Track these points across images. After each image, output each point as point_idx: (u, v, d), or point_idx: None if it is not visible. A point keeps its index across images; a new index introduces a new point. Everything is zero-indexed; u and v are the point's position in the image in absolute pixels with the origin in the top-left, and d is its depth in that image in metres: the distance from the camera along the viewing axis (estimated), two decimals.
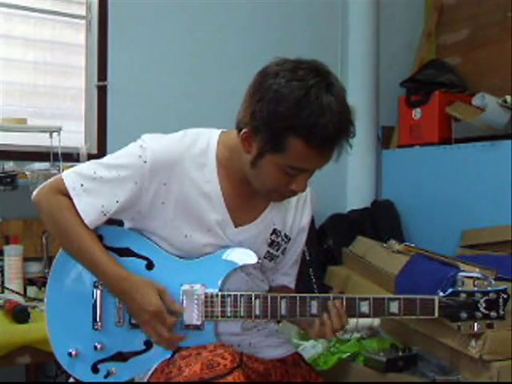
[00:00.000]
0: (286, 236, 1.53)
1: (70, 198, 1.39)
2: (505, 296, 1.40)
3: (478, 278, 1.98)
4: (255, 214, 1.48)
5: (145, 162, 1.37)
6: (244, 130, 1.34)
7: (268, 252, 1.51)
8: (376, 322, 2.38)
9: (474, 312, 1.40)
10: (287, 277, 1.62)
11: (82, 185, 1.39)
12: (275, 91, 1.27)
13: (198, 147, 1.42)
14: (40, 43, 2.90)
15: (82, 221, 1.39)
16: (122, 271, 1.38)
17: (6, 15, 2.82)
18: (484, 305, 1.40)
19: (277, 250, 1.52)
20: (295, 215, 1.55)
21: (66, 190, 1.39)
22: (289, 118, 1.26)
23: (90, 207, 1.38)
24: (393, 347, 2.26)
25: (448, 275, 2.06)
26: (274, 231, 1.51)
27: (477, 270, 2.07)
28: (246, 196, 1.44)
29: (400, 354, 2.18)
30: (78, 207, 1.38)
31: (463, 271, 2.08)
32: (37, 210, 1.44)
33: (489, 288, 1.41)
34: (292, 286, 1.63)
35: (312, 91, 1.25)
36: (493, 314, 1.40)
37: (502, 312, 1.40)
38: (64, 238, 1.42)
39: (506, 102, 2.93)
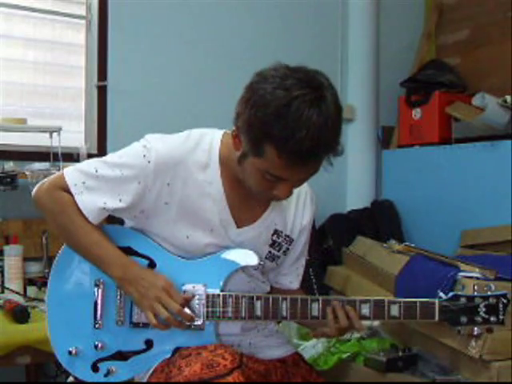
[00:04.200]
0: (287, 236, 1.53)
1: (71, 195, 1.39)
2: (505, 301, 1.40)
3: (478, 278, 1.99)
4: (257, 214, 1.48)
5: (149, 161, 1.37)
6: (233, 128, 1.34)
7: (269, 252, 1.51)
8: (376, 321, 2.38)
9: (473, 316, 1.40)
10: (287, 277, 1.62)
11: (83, 182, 1.39)
12: (260, 96, 1.26)
13: (202, 148, 1.42)
14: (40, 43, 2.90)
15: (84, 217, 1.39)
16: (129, 259, 1.40)
17: (6, 15, 2.81)
18: (484, 309, 1.40)
19: (278, 251, 1.52)
20: (295, 215, 1.55)
21: (68, 187, 1.39)
22: (266, 125, 1.24)
23: (92, 204, 1.39)
24: (393, 347, 2.26)
25: (448, 275, 2.06)
26: (276, 232, 1.51)
27: (477, 270, 2.07)
28: (247, 196, 1.44)
29: (400, 354, 2.18)
30: (79, 204, 1.39)
31: (463, 271, 2.08)
32: (37, 206, 1.45)
33: (489, 293, 1.41)
34: (293, 286, 1.63)
35: (294, 103, 1.22)
36: (492, 318, 1.40)
37: (501, 317, 1.40)
38: (67, 233, 1.43)
39: (506, 101, 2.93)
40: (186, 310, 1.37)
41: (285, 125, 1.22)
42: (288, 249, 1.54)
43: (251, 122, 1.27)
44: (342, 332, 1.42)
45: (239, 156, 1.34)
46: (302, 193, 1.55)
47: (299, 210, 1.55)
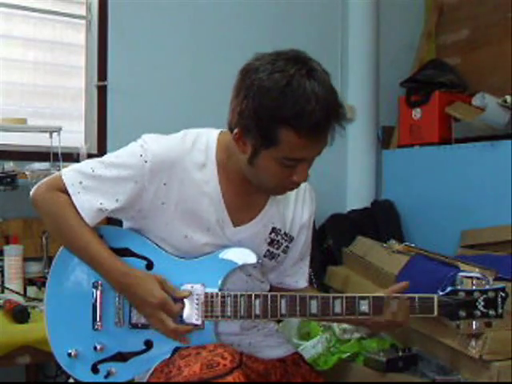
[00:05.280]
0: (286, 234, 1.53)
1: (69, 195, 1.39)
2: (503, 295, 1.41)
3: (477, 278, 1.99)
4: (253, 213, 1.48)
5: (145, 161, 1.37)
6: (235, 131, 1.34)
7: (268, 251, 1.51)
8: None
9: (472, 310, 1.41)
10: (292, 277, 1.61)
11: (80, 182, 1.39)
12: (258, 86, 1.28)
13: (198, 147, 1.42)
14: (40, 43, 2.90)
15: (81, 217, 1.39)
16: (123, 266, 1.39)
17: (6, 15, 2.81)
18: (482, 303, 1.41)
19: (277, 249, 1.52)
20: (294, 212, 1.54)
21: (65, 187, 1.39)
22: (275, 109, 1.26)
23: (89, 204, 1.38)
24: (393, 347, 2.26)
25: (448, 275, 2.06)
26: (273, 230, 1.50)
27: (477, 270, 2.07)
28: (244, 195, 1.44)
29: (400, 354, 2.18)
30: (76, 204, 1.39)
31: (463, 271, 2.08)
32: (34, 207, 1.44)
33: (487, 287, 1.41)
34: (300, 285, 1.62)
35: (294, 79, 1.26)
36: (491, 312, 1.41)
37: (500, 311, 1.41)
38: (64, 234, 1.42)
39: (506, 101, 2.93)
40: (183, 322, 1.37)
41: (294, 102, 1.25)
42: (288, 247, 1.54)
43: (258, 114, 1.28)
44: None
45: (249, 157, 1.34)
46: (301, 189, 1.54)
47: (298, 207, 1.55)
